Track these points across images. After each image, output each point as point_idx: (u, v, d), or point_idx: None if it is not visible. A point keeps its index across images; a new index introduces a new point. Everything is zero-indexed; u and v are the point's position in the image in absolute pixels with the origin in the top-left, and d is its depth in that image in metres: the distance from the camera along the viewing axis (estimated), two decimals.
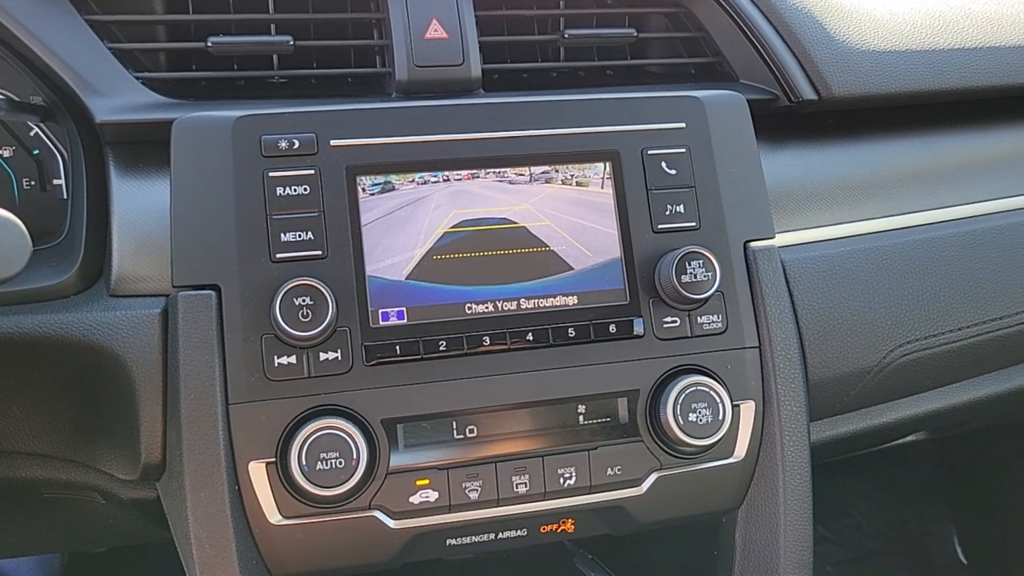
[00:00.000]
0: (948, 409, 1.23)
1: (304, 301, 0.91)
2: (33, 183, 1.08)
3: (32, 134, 1.08)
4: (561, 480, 0.99)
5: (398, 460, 0.95)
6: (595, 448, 1.00)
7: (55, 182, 1.08)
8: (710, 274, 1.00)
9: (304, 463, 0.91)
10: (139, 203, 0.99)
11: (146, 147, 1.01)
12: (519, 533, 1.05)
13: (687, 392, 0.99)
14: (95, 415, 1.02)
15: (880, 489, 2.33)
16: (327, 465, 0.91)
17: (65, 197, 1.07)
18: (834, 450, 1.29)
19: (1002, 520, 2.04)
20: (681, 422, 0.99)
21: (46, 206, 1.07)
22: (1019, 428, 1.89)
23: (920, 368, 1.14)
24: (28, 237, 0.81)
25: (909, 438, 2.12)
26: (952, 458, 2.18)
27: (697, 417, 0.99)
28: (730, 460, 1.04)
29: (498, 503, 0.98)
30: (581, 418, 1.00)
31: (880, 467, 2.32)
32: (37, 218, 1.00)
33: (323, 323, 0.91)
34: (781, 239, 1.10)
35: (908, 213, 1.17)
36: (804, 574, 1.05)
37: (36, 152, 1.08)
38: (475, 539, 1.04)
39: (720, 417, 1.00)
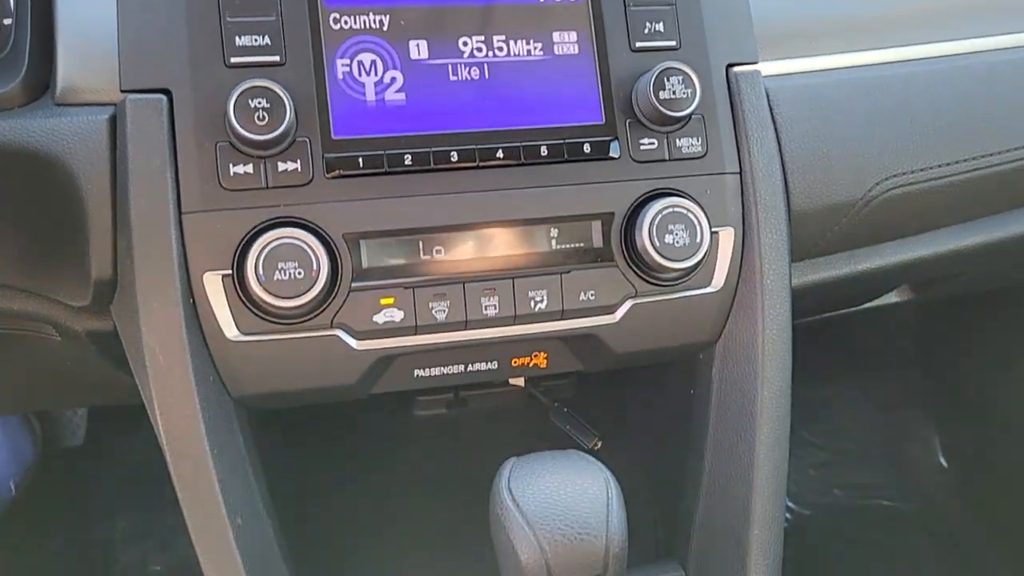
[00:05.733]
0: (933, 257, 1.20)
1: (260, 103, 0.86)
2: None
3: None
4: (532, 303, 0.95)
5: (361, 277, 0.91)
6: (568, 272, 0.96)
7: None
8: (689, 91, 0.96)
9: (261, 273, 0.87)
10: (86, 9, 0.93)
11: None
12: (489, 366, 1.01)
13: (664, 213, 0.96)
14: (44, 238, 0.97)
15: (862, 393, 2.33)
16: (285, 275, 0.87)
17: (9, 18, 1.01)
18: (815, 300, 1.26)
19: (983, 423, 2.03)
20: (657, 243, 0.95)
21: None
22: (1004, 306, 1.86)
23: (906, 205, 1.10)
24: None
25: (894, 343, 2.11)
26: (934, 361, 2.18)
27: (673, 239, 0.96)
28: (708, 289, 1.01)
29: (466, 325, 0.94)
30: (554, 242, 0.96)
31: (862, 370, 2.31)
32: None
33: (280, 127, 0.86)
34: (766, 68, 1.05)
35: (899, 47, 1.12)
36: (783, 403, 1.02)
37: None
38: (444, 370, 1.00)
39: (697, 240, 0.96)
